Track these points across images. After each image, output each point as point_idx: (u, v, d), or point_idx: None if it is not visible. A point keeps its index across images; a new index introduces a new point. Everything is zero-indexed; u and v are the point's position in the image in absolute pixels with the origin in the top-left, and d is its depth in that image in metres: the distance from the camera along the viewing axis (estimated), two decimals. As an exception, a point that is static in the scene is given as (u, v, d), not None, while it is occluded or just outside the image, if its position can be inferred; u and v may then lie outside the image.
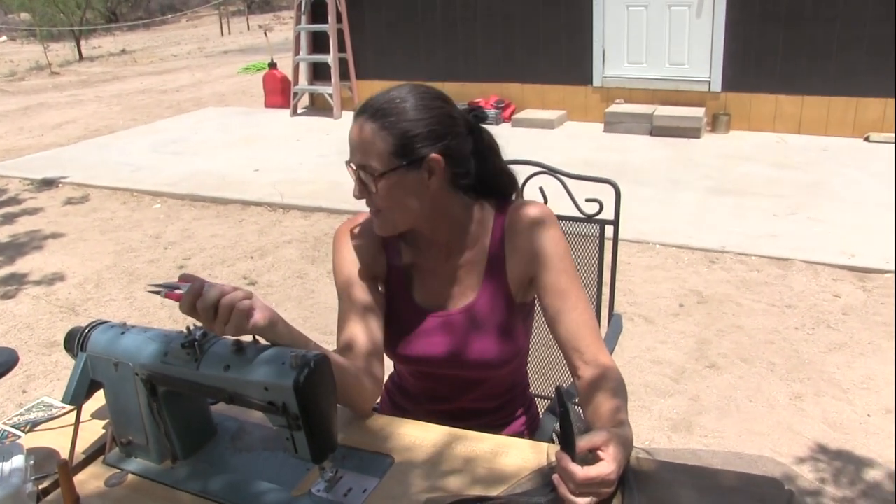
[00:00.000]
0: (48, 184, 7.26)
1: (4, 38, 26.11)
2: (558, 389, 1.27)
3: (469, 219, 1.59)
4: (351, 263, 1.62)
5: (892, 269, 4.26)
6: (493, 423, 1.74)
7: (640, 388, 3.34)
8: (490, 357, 1.59)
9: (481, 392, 1.71)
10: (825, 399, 3.20)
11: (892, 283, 4.15)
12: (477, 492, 1.28)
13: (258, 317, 1.27)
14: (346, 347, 1.57)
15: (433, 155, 1.45)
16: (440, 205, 1.53)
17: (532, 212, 1.56)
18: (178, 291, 1.28)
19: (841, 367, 3.42)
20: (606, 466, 1.19)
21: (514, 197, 1.66)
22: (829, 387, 3.28)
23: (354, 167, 1.47)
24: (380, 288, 1.66)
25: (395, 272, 1.65)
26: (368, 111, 1.45)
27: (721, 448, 2.93)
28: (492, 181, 1.61)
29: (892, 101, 6.80)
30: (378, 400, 1.82)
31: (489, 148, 1.59)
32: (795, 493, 1.21)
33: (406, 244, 1.64)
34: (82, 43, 20.09)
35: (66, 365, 3.74)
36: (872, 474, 2.73)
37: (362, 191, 1.49)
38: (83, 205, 6.63)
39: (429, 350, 1.62)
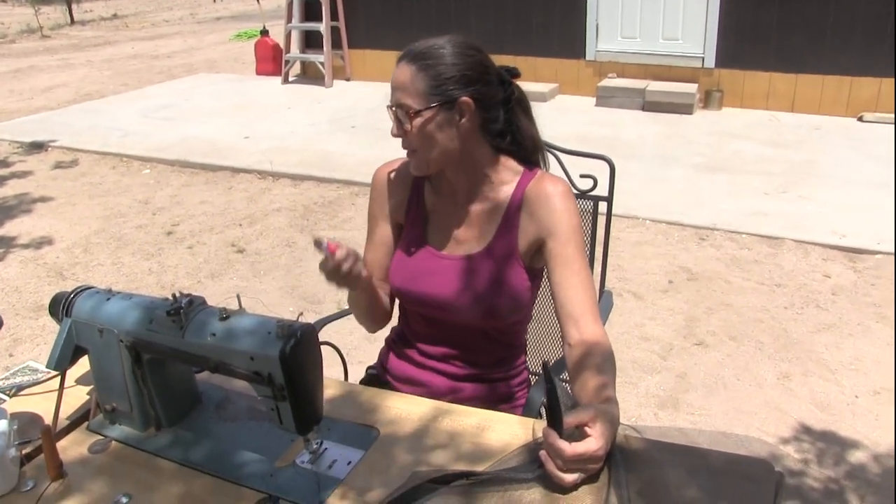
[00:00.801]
0: (37, 147, 7.19)
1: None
2: (545, 365, 1.26)
3: (492, 169, 1.66)
4: (379, 202, 1.80)
5: (883, 249, 4.26)
6: (488, 376, 1.77)
7: (627, 364, 3.34)
8: (487, 305, 1.63)
9: (480, 343, 1.74)
10: (813, 379, 3.21)
11: (882, 263, 4.16)
12: (463, 466, 1.28)
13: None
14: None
15: (465, 98, 1.54)
16: (468, 149, 1.61)
17: (554, 184, 1.63)
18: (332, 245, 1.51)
19: (829, 348, 3.43)
20: (594, 443, 1.20)
21: (541, 166, 1.72)
22: (818, 367, 3.29)
23: (394, 108, 1.57)
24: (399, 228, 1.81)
25: (416, 212, 1.75)
26: (409, 55, 1.56)
27: (708, 426, 2.95)
28: (518, 136, 1.68)
29: (886, 80, 6.77)
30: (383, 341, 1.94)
31: (518, 102, 1.67)
32: (785, 475, 1.21)
33: (431, 187, 1.74)
34: (74, 6, 19.85)
35: (53, 329, 3.70)
36: (858, 455, 2.74)
37: (399, 128, 1.58)
38: (72, 169, 6.57)
39: (430, 289, 1.68)
